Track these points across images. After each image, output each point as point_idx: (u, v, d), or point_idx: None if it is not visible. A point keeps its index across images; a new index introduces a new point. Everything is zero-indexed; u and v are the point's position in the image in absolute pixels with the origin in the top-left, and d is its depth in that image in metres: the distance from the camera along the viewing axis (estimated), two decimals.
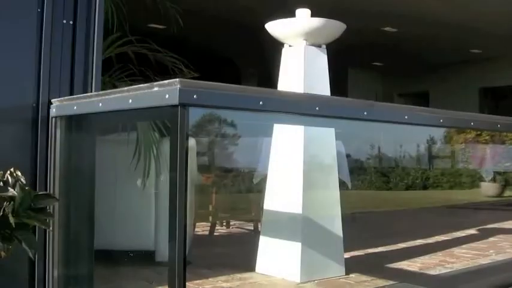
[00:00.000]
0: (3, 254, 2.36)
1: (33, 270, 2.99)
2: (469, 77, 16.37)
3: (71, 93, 3.06)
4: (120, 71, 4.04)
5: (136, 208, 4.04)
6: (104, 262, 3.65)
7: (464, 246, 5.37)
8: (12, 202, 2.29)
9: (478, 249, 5.21)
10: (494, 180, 11.78)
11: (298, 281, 3.75)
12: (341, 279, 3.87)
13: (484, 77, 16.18)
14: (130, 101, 2.27)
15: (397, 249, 5.18)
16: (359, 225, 6.88)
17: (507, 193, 11.85)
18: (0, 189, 2.31)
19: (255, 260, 4.04)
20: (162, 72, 4.34)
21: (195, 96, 2.05)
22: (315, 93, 3.95)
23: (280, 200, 3.99)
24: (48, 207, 2.63)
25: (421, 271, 4.18)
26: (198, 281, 3.67)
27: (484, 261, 4.65)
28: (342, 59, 10.34)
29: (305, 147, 3.84)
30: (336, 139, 4.19)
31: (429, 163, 9.79)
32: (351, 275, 3.97)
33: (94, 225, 3.23)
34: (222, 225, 6.42)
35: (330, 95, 4.04)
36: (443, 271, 4.22)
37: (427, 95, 17.85)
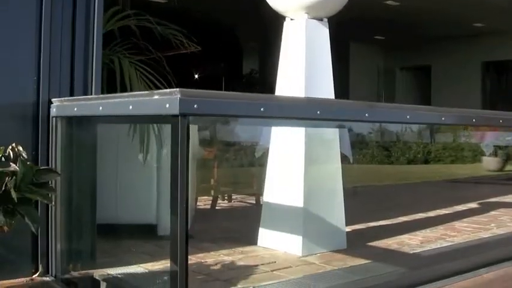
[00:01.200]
0: (6, 228, 2.37)
1: (37, 245, 3.00)
2: (472, 51, 16.30)
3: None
4: (120, 44, 4.02)
5: (138, 182, 4.04)
6: (106, 236, 3.67)
7: (465, 220, 5.39)
8: (14, 177, 2.30)
9: (479, 222, 5.23)
10: (495, 154, 11.78)
11: (300, 254, 3.77)
12: (342, 253, 3.89)
13: (486, 51, 16.10)
14: (130, 107, 2.28)
15: (399, 222, 5.20)
16: (361, 199, 6.89)
17: (508, 167, 11.86)
18: (2, 164, 2.32)
19: (257, 233, 4.06)
20: (165, 46, 4.32)
21: (195, 106, 2.05)
22: (316, 67, 3.94)
23: (282, 174, 3.99)
24: (50, 182, 2.64)
25: (422, 244, 4.20)
26: (200, 255, 3.69)
27: (485, 234, 4.67)
28: (344, 33, 10.28)
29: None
30: None
31: (431, 137, 9.77)
32: (352, 248, 3.99)
33: (96, 199, 3.25)
34: (223, 199, 6.44)
35: (331, 69, 4.02)
36: (444, 244, 4.24)
37: (429, 68, 17.79)
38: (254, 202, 6.09)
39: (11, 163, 2.33)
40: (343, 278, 3.32)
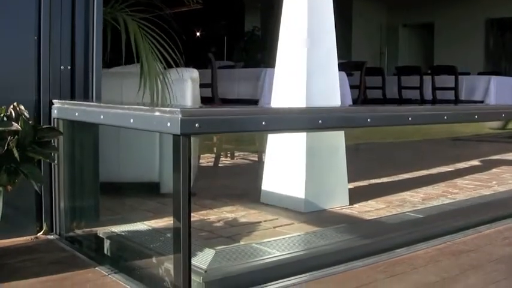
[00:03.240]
0: (9, 187, 2.39)
1: (41, 203, 3.03)
2: (475, 8, 16.14)
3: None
4: (121, 1, 3.97)
5: (141, 140, 4.05)
6: (109, 194, 3.69)
7: (467, 177, 5.40)
8: (16, 136, 2.30)
9: (480, 180, 5.25)
10: None
11: (303, 211, 3.79)
12: (344, 209, 3.91)
13: (490, 8, 15.94)
14: (131, 120, 2.28)
15: (400, 180, 5.22)
16: (362, 156, 6.91)
17: (511, 125, 11.82)
18: (4, 123, 2.32)
19: (260, 190, 4.08)
20: (166, 3, 4.28)
21: (197, 125, 2.05)
22: (318, 24, 3.91)
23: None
24: (52, 141, 2.64)
25: (424, 201, 4.22)
26: (202, 212, 3.71)
27: (486, 192, 4.68)
28: None
29: (308, 79, 3.82)
30: (339, 70, 4.16)
31: (432, 94, 9.73)
32: (354, 205, 4.01)
33: (99, 157, 3.26)
34: (226, 157, 6.46)
35: (333, 26, 3.99)
36: (446, 201, 4.26)
37: (432, 25, 17.64)
38: (257, 159, 6.10)
39: (12, 122, 2.34)
40: (345, 235, 3.34)
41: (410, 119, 2.85)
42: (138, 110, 2.28)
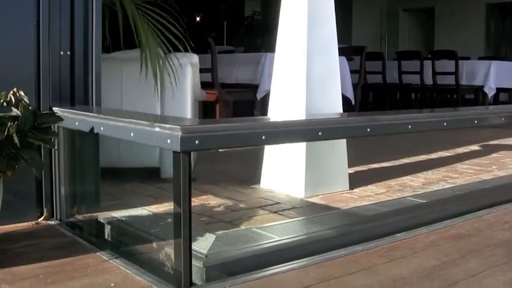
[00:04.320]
0: (9, 173, 2.39)
1: (41, 189, 3.03)
2: None
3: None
4: None
5: None
6: (109, 179, 3.70)
7: (467, 162, 5.40)
8: (16, 122, 2.30)
9: (480, 165, 5.25)
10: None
11: (303, 195, 3.79)
12: (345, 194, 3.92)
13: None
14: (132, 134, 2.28)
15: (401, 164, 5.22)
16: (363, 142, 6.89)
17: None
18: (4, 109, 2.32)
19: (260, 175, 4.08)
20: None
21: (197, 142, 2.05)
22: (318, 9, 3.89)
23: (283, 117, 3.98)
24: (52, 127, 2.65)
25: (424, 186, 4.23)
26: (203, 197, 3.72)
27: (486, 176, 4.69)
28: None
29: (308, 64, 3.81)
30: (339, 54, 4.15)
31: (433, 79, 9.71)
32: (354, 190, 4.02)
33: (99, 142, 3.26)
34: None
35: (334, 11, 3.97)
36: (446, 186, 4.26)
37: (433, 10, 17.58)
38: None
39: (12, 108, 2.33)
40: (345, 219, 3.35)
41: (410, 126, 2.87)
42: (139, 125, 2.27)
